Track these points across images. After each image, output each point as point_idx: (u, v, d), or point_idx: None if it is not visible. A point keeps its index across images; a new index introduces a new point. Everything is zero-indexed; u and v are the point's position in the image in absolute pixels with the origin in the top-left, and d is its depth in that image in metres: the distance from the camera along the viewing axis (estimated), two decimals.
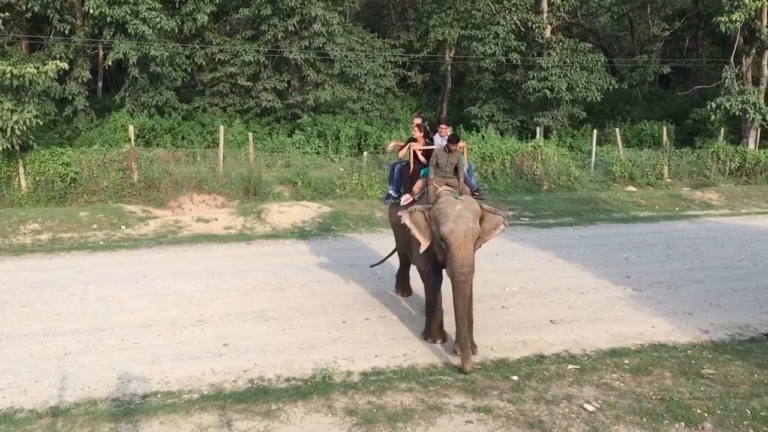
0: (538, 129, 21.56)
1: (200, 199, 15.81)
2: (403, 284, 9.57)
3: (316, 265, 11.18)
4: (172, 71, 22.54)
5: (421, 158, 8.27)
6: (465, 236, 6.86)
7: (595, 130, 21.63)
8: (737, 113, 21.87)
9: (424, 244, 7.20)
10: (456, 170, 7.73)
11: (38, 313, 8.72)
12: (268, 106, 23.21)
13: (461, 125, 22.75)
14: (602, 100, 24.74)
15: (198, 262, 11.40)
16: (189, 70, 24.15)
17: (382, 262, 10.08)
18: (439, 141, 8.19)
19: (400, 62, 27.53)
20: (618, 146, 21.10)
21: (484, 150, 18.91)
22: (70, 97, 21.24)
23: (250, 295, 9.54)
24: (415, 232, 7.23)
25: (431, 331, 7.84)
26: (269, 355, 7.47)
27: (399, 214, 7.54)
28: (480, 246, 7.20)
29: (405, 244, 8.49)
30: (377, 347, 7.74)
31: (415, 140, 8.58)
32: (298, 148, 21.23)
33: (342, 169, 18.36)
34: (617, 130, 22.00)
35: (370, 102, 24.77)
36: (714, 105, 21.82)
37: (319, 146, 22.01)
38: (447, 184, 7.65)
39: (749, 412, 6.15)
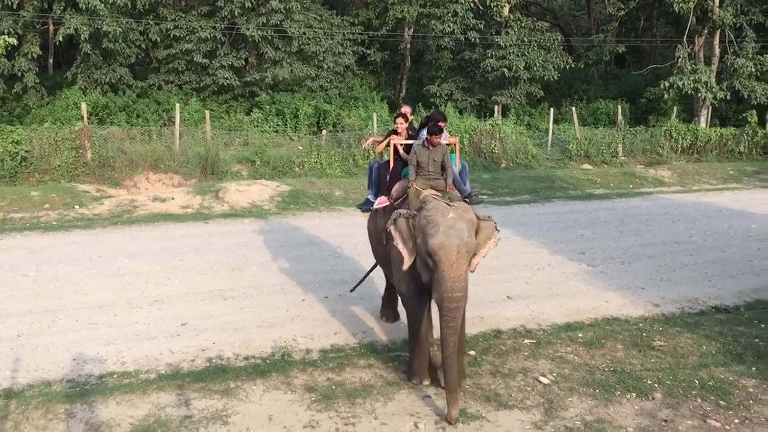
0: (496, 107, 21.73)
1: (156, 178, 15.56)
2: (389, 307, 7.92)
3: (275, 244, 11.14)
4: (126, 47, 22.06)
5: (403, 154, 6.88)
6: (459, 252, 5.54)
7: (552, 109, 21.86)
8: (689, 92, 22.38)
9: (407, 260, 5.89)
10: (443, 169, 6.45)
11: None
12: (225, 83, 22.88)
13: (420, 103, 22.75)
14: (559, 78, 25.07)
15: (154, 241, 11.24)
16: (143, 46, 23.67)
17: (360, 282, 8.38)
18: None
19: (359, 40, 27.37)
20: (574, 125, 21.38)
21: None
22: (19, 74, 20.60)
23: (207, 275, 9.47)
24: (399, 243, 5.92)
25: (414, 368, 6.31)
26: (228, 334, 7.44)
27: (388, 226, 6.09)
28: (475, 265, 5.95)
29: (383, 259, 7.15)
30: (336, 325, 7.77)
31: (396, 133, 7.14)
32: (256, 126, 21.03)
33: (301, 148, 18.23)
34: (573, 108, 22.27)
35: (328, 80, 24.64)
36: (667, 84, 22.29)
37: (278, 124, 21.83)
38: (432, 188, 6.34)
39: (697, 382, 6.34)
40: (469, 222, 5.75)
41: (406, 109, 7.44)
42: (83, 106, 16.41)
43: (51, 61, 24.85)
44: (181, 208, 13.57)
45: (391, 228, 5.98)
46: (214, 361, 6.82)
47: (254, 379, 6.32)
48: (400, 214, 6.01)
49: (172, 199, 13.93)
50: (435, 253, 5.56)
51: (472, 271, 6.00)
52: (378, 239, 7.06)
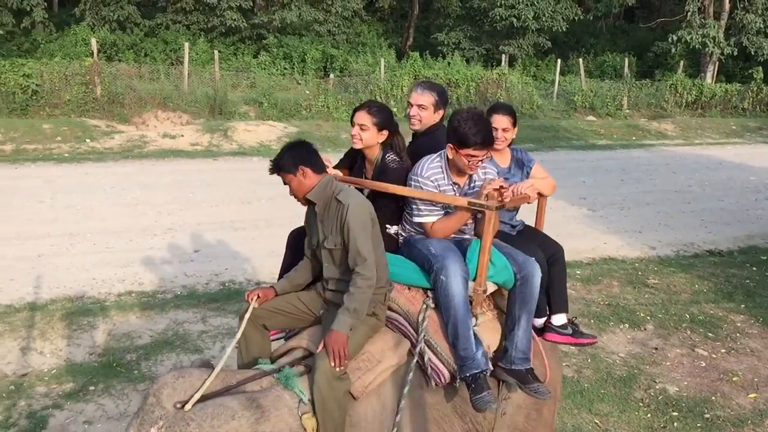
0: (503, 57, 21.70)
1: (165, 116, 15.68)
2: None
3: None
4: None
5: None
6: None
7: (558, 61, 21.86)
8: (697, 47, 22.33)
9: None
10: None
11: (9, 218, 8.77)
12: (233, 25, 22.81)
13: (427, 51, 22.71)
14: (567, 30, 24.96)
15: (166, 175, 11.49)
16: None
17: None
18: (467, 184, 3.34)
19: None
20: (581, 77, 21.39)
21: (450, 76, 19.03)
22: (28, 8, 20.55)
23: (219, 207, 9.73)
24: None
25: None
26: (239, 261, 7.74)
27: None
28: None
29: None
30: None
31: (357, 154, 3.59)
32: (264, 69, 21.07)
33: (308, 92, 18.33)
34: (580, 60, 22.26)
35: (336, 25, 24.53)
36: (675, 38, 22.24)
37: (285, 68, 21.87)
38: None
39: (688, 316, 6.66)
40: None
41: (419, 100, 3.56)
42: (93, 41, 16.45)
43: None
44: (191, 145, 13.78)
45: None
46: (227, 284, 7.12)
47: None
48: None
49: (182, 136, 14.13)
50: None
51: None
52: None
